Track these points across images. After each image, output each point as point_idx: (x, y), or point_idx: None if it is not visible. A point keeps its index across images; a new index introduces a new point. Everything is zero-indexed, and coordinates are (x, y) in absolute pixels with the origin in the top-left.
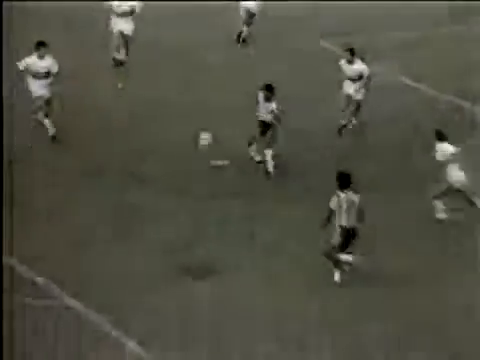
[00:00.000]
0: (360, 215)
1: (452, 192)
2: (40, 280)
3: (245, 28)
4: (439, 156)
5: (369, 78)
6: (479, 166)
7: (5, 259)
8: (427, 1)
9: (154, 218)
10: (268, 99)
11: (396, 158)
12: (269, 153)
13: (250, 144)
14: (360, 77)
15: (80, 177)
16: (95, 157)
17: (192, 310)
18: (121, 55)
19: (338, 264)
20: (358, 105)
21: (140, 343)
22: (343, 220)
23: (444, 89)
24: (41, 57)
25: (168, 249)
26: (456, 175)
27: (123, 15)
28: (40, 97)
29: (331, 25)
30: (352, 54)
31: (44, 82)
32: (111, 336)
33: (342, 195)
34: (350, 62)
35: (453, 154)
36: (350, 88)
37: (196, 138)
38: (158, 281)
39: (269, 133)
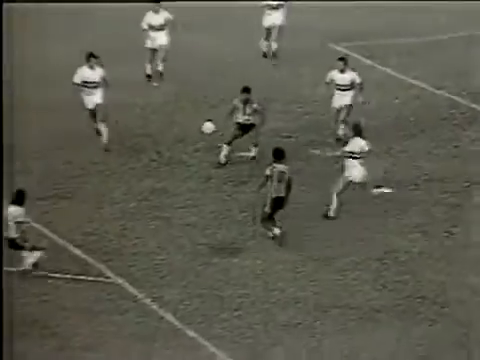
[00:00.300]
0: (288, 186)
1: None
2: (87, 258)
3: (272, 44)
4: (350, 148)
5: (361, 86)
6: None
7: (58, 240)
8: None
9: (185, 201)
10: (247, 101)
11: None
12: (255, 150)
13: (228, 144)
14: (351, 86)
15: (122, 167)
16: (133, 151)
17: (228, 284)
18: (155, 68)
19: (270, 227)
20: (348, 111)
21: (175, 313)
22: (272, 191)
23: (445, 88)
24: (91, 68)
25: (200, 229)
26: (358, 171)
27: (158, 29)
28: (92, 106)
29: (342, 30)
30: (344, 64)
31: (95, 91)
32: (149, 308)
33: (274, 167)
34: (342, 71)
35: (364, 151)
36: (339, 101)
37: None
38: (194, 258)
39: (253, 132)
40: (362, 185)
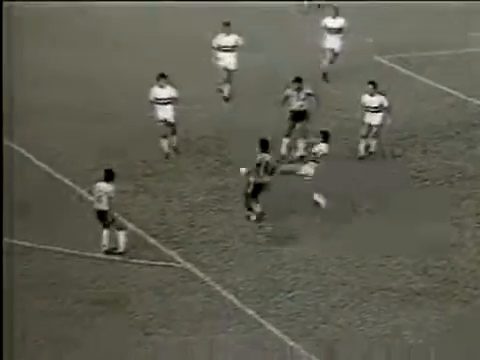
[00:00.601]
0: (271, 172)
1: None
2: (160, 246)
3: (326, 63)
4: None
5: (388, 109)
6: None
7: (137, 230)
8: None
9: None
10: (300, 89)
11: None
12: (302, 142)
13: (287, 136)
14: (380, 108)
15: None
16: (199, 153)
17: (282, 269)
18: (226, 91)
19: (250, 208)
20: (377, 131)
21: (236, 294)
22: (256, 176)
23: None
24: (162, 86)
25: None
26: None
27: (228, 50)
28: (163, 121)
29: (384, 42)
30: (374, 88)
31: (166, 107)
32: (214, 289)
33: (260, 156)
34: (371, 95)
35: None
36: (371, 118)
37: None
38: (253, 246)
39: (303, 123)
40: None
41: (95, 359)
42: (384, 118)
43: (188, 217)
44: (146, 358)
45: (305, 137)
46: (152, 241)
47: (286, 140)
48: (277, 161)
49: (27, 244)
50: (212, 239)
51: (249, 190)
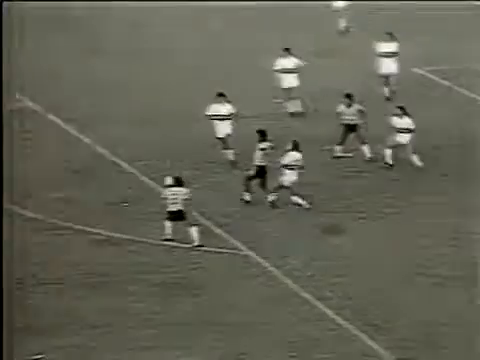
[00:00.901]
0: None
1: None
2: (226, 235)
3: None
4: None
5: (414, 131)
6: None
7: (205, 221)
8: None
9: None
10: (349, 105)
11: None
12: (366, 147)
13: (340, 144)
14: (409, 130)
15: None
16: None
17: (335, 255)
18: (293, 107)
19: (248, 189)
20: (405, 149)
21: (293, 279)
22: (257, 161)
23: None
24: (221, 103)
25: (315, 213)
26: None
27: (289, 72)
28: (221, 135)
29: (419, 55)
30: (403, 112)
31: (225, 123)
32: (274, 274)
33: (260, 145)
34: (400, 117)
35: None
36: (401, 138)
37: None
38: (310, 236)
39: (358, 132)
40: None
41: (173, 333)
42: (412, 137)
43: (252, 211)
44: (215, 336)
45: (364, 143)
46: (218, 231)
47: (338, 147)
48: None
49: (122, 236)
50: (272, 230)
51: (251, 173)
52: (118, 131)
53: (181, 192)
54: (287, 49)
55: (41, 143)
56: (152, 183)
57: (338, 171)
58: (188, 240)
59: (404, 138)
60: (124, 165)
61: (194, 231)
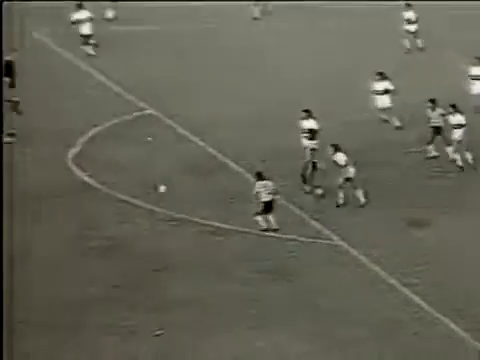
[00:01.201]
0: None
1: None
2: (317, 226)
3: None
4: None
5: (465, 126)
6: None
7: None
8: None
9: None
10: (434, 109)
11: None
12: (451, 148)
13: (429, 144)
14: (462, 125)
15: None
16: None
17: (419, 246)
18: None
19: (305, 182)
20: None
21: (381, 266)
22: (307, 156)
23: None
24: (305, 119)
25: (403, 207)
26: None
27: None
28: (308, 148)
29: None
30: (455, 109)
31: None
32: (362, 262)
33: (313, 143)
34: (453, 115)
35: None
36: (456, 134)
37: None
38: (395, 229)
39: (443, 134)
40: None
41: (272, 315)
42: (465, 132)
43: (341, 204)
44: (309, 317)
45: (448, 145)
46: (313, 223)
47: (429, 147)
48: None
49: (229, 227)
50: (363, 221)
51: (306, 171)
52: (227, 134)
53: (269, 184)
54: (381, 73)
55: (159, 145)
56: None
57: (425, 171)
58: (284, 231)
59: (457, 134)
60: (231, 164)
61: (272, 217)
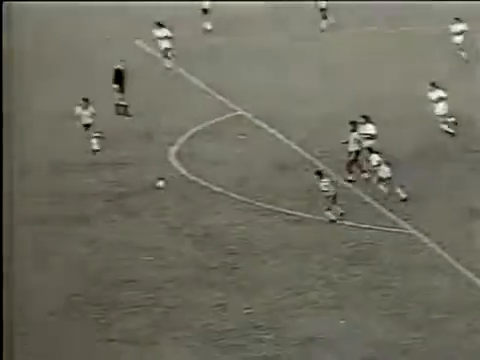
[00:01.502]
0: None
1: None
2: (391, 215)
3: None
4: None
5: None
6: None
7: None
8: None
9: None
10: None
11: None
12: None
13: None
14: None
15: None
16: None
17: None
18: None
19: (351, 171)
20: None
21: (448, 251)
22: (351, 147)
23: None
24: (363, 124)
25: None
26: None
27: None
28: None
29: None
30: None
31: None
32: (432, 248)
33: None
34: None
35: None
36: None
37: None
38: (455, 223)
39: None
40: None
41: (350, 295)
42: None
43: (413, 195)
44: (383, 296)
45: None
46: (388, 214)
47: None
48: None
49: (311, 217)
50: (431, 212)
51: (352, 157)
52: (302, 135)
53: (328, 180)
54: (433, 83)
55: (249, 143)
56: (333, 175)
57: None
58: (359, 220)
59: None
60: (316, 162)
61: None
